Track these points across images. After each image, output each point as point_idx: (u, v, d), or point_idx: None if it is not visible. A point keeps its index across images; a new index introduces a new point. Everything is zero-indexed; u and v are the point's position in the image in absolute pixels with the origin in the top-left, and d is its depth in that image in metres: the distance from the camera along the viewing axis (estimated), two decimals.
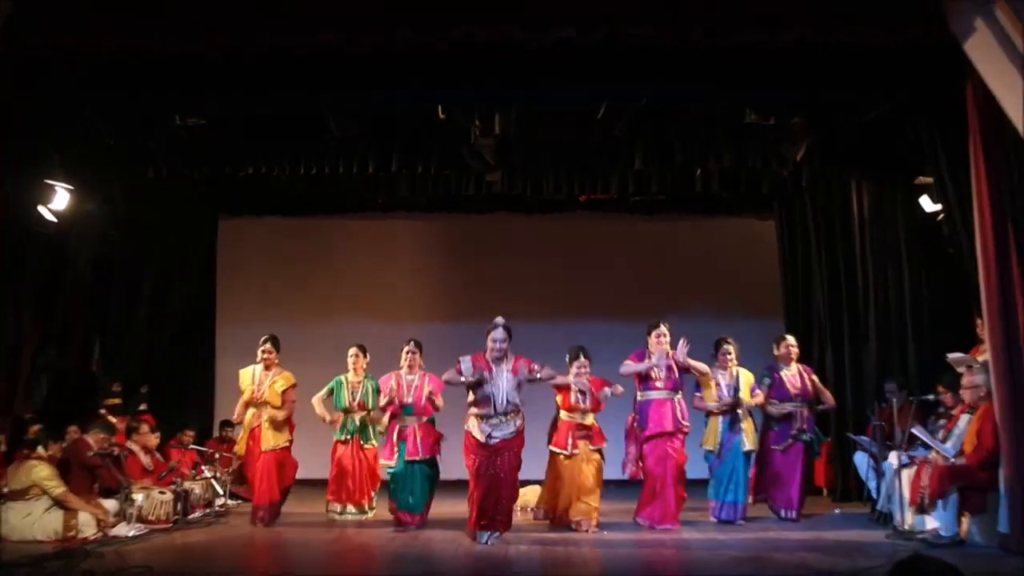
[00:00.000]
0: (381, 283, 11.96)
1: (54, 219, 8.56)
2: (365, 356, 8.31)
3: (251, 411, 7.95)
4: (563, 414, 7.69)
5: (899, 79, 7.13)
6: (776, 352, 8.25)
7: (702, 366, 7.76)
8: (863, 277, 9.43)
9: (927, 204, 8.90)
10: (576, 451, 7.49)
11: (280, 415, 7.88)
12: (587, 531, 7.34)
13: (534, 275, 11.82)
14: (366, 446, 8.20)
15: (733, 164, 9.13)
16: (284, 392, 7.92)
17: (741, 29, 6.28)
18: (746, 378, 7.91)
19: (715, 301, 11.46)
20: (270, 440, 7.83)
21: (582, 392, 7.56)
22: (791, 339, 8.30)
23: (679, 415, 7.60)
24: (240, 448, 8.10)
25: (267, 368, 7.96)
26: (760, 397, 8.00)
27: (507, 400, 6.75)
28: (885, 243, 9.27)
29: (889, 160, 8.95)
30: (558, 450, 7.58)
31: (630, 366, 7.66)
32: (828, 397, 8.33)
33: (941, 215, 8.35)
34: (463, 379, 6.80)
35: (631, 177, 9.69)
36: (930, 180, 8.37)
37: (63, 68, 6.88)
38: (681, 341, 7.61)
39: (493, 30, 6.33)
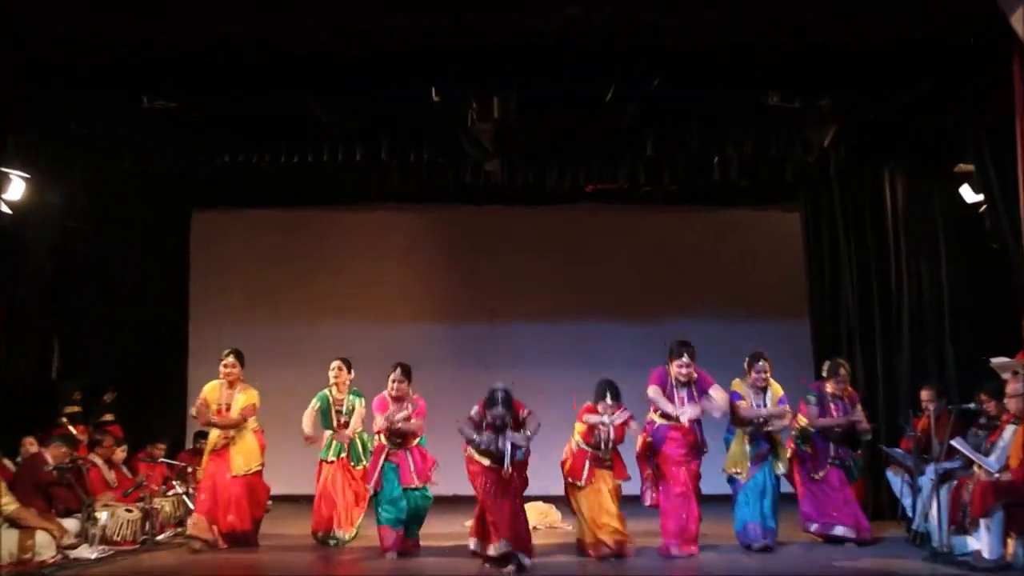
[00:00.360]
0: (371, 281, 11.92)
1: (8, 210, 8.47)
2: (349, 372, 8.14)
3: (216, 432, 7.77)
4: (581, 442, 7.49)
5: (940, 58, 7.03)
6: (825, 377, 7.94)
7: (720, 402, 7.40)
8: (896, 274, 9.38)
9: (968, 194, 8.83)
10: (592, 481, 7.37)
11: (231, 424, 7.65)
12: (625, 556, 7.23)
13: (536, 272, 11.79)
14: (356, 468, 8.04)
15: (754, 151, 9.09)
16: (243, 410, 7.74)
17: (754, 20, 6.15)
18: (775, 392, 7.69)
19: (733, 301, 11.44)
20: (241, 465, 7.66)
21: (604, 438, 7.33)
22: (844, 373, 7.94)
23: (699, 441, 7.45)
24: (200, 473, 7.88)
25: (231, 385, 7.78)
26: (801, 419, 7.83)
27: (513, 456, 6.72)
28: (921, 237, 9.23)
29: (926, 146, 8.89)
30: (573, 480, 7.45)
31: (657, 398, 7.41)
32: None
33: (983, 206, 8.27)
34: (476, 442, 6.76)
35: (642, 166, 9.67)
36: (971, 168, 8.32)
37: (15, 48, 6.78)
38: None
39: (492, 16, 6.25)
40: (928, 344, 9.06)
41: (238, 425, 7.71)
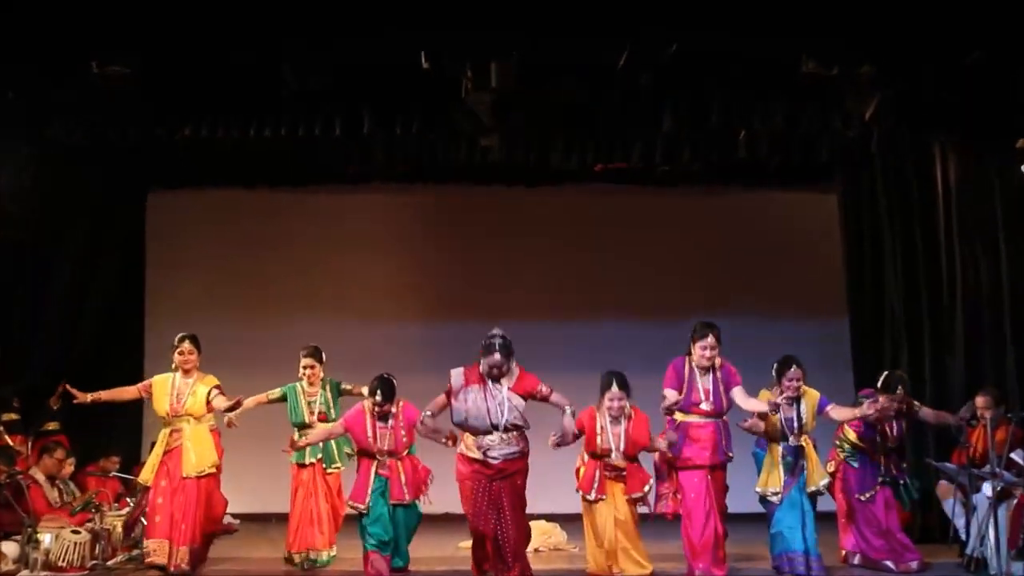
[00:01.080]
0: (351, 273, 11.91)
1: None
2: (321, 363, 8.18)
3: (166, 430, 7.70)
4: (587, 456, 7.56)
5: (1000, 15, 7.02)
6: (887, 395, 7.79)
7: (758, 405, 7.39)
8: (948, 263, 9.37)
9: None
10: (603, 496, 7.38)
11: (226, 402, 7.57)
12: None
13: (538, 263, 11.80)
14: (329, 471, 8.08)
15: (785, 125, 9.07)
16: (209, 391, 7.67)
17: None
18: (810, 400, 7.60)
19: (762, 296, 11.46)
20: (193, 463, 7.55)
21: (614, 433, 7.37)
22: (901, 393, 7.85)
23: (723, 443, 7.46)
24: (146, 476, 7.69)
25: (186, 374, 7.74)
26: (849, 433, 7.83)
27: (506, 419, 6.71)
28: (977, 221, 9.21)
29: (983, 118, 8.85)
30: (583, 494, 7.47)
31: (670, 397, 7.42)
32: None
33: None
34: (457, 412, 6.77)
35: (658, 142, 9.68)
36: None
37: None
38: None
39: None
40: (985, 344, 9.05)
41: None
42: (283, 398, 8.12)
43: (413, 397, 7.67)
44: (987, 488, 7.25)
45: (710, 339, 7.37)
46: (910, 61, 8.19)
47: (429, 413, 6.85)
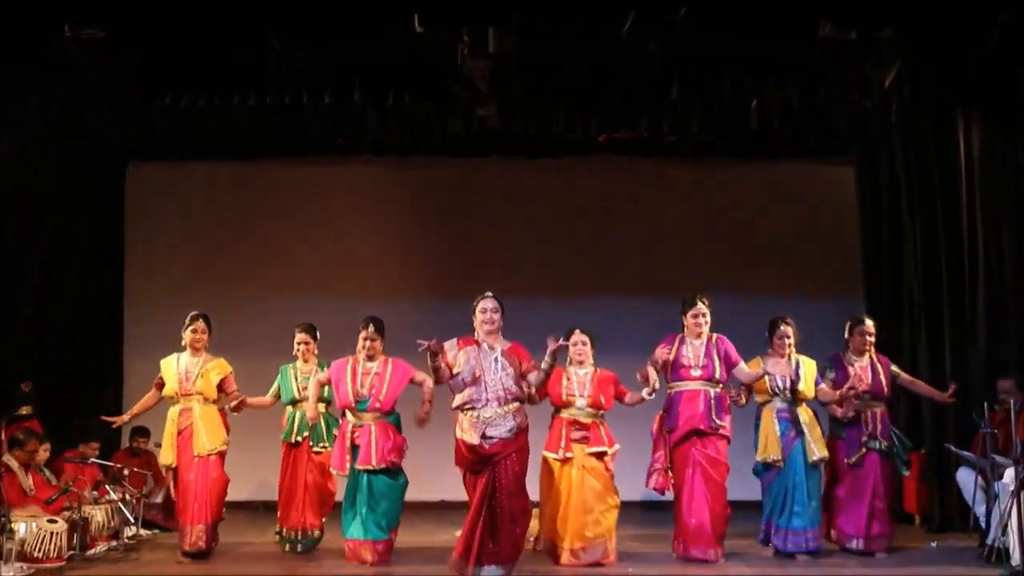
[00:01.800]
0: (342, 249, 11.91)
1: None
2: (316, 339, 8.44)
3: (175, 408, 7.91)
4: (558, 410, 7.78)
5: None
6: (848, 337, 8.22)
7: (750, 372, 7.68)
8: (971, 242, 9.36)
9: None
10: (570, 454, 7.55)
11: (220, 406, 7.93)
12: (593, 564, 7.41)
13: (538, 238, 11.79)
14: (316, 449, 8.23)
15: (799, 94, 9.08)
16: (222, 383, 7.97)
17: None
18: (808, 368, 7.93)
19: (773, 273, 11.46)
20: (205, 443, 7.82)
21: (579, 380, 7.65)
22: (869, 324, 8.21)
23: (714, 411, 7.57)
24: (168, 457, 7.94)
25: (195, 352, 7.98)
26: (826, 393, 8.00)
27: (502, 386, 6.81)
28: (1002, 198, 9.20)
29: (1012, 88, 8.83)
30: (549, 454, 7.64)
31: (657, 355, 7.71)
32: (925, 388, 8.37)
33: None
34: (454, 378, 6.88)
35: (666, 111, 9.67)
36: None
37: None
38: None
39: None
40: (1008, 326, 9.06)
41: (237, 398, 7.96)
42: (282, 380, 8.33)
43: None
44: (1009, 476, 7.26)
45: (700, 306, 7.69)
46: (933, 25, 8.15)
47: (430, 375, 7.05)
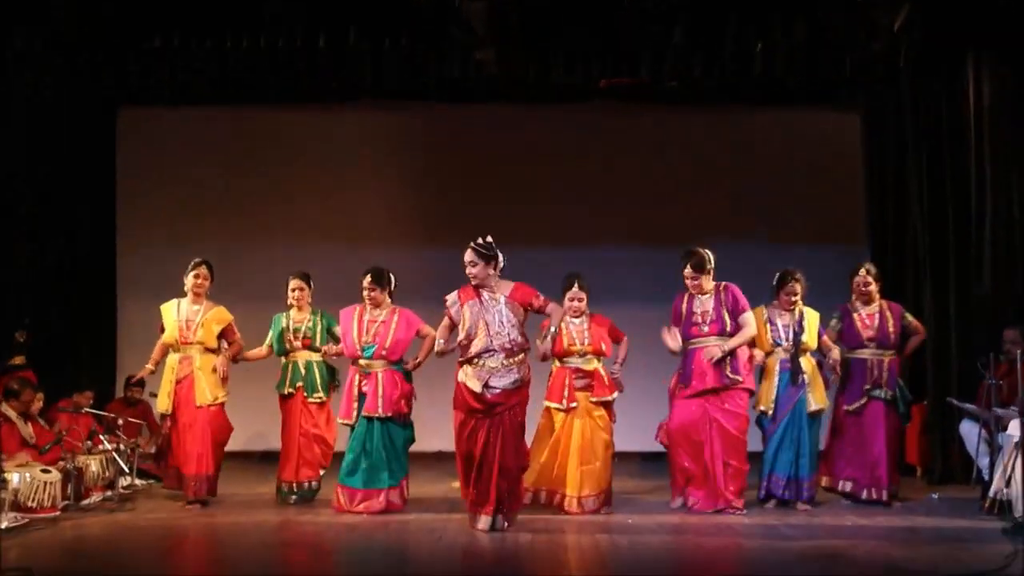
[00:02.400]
0: (337, 197, 11.86)
1: None
2: (310, 287, 8.44)
3: (175, 356, 8.02)
4: (557, 363, 7.85)
5: None
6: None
7: (747, 330, 7.71)
8: (978, 190, 9.32)
9: None
10: (574, 404, 7.64)
11: (233, 354, 8.11)
12: (595, 512, 7.55)
13: (537, 186, 11.74)
14: (311, 400, 8.28)
15: (805, 37, 9.05)
16: (224, 333, 8.12)
17: None
18: (812, 319, 8.00)
19: (777, 219, 11.44)
20: (207, 394, 8.00)
21: (577, 329, 7.73)
22: (862, 272, 8.26)
23: (727, 367, 7.64)
24: (164, 405, 8.09)
25: (196, 299, 8.09)
26: (833, 348, 8.05)
27: (508, 337, 6.86)
28: (1012, 146, 9.14)
29: None
30: (553, 404, 7.73)
31: (666, 339, 7.85)
32: (914, 343, 8.42)
33: None
34: (460, 333, 6.98)
35: (668, 56, 9.63)
36: None
37: None
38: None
39: None
40: (1016, 276, 9.08)
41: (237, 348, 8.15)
42: (275, 331, 8.37)
43: None
44: (1014, 428, 7.28)
45: (687, 269, 7.72)
46: None
47: (441, 341, 7.07)
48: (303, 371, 8.25)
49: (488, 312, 6.90)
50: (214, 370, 8.03)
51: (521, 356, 6.93)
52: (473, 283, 6.97)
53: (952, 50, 9.45)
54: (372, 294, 7.79)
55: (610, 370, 7.81)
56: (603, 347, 7.75)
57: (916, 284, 9.81)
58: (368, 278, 7.80)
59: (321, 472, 8.33)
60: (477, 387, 6.84)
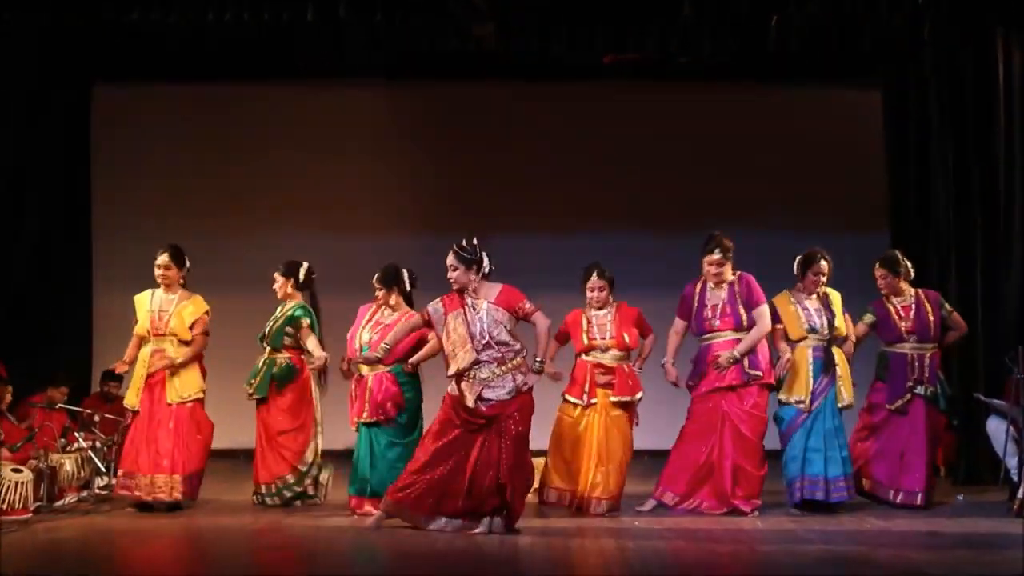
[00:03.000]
0: (325, 180, 11.86)
1: None
2: (290, 279, 8.23)
3: (147, 348, 7.91)
4: (581, 356, 7.80)
5: None
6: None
7: (761, 326, 7.64)
8: (1007, 174, 9.32)
9: None
10: (594, 400, 7.59)
11: (184, 354, 7.85)
12: (603, 514, 7.52)
13: (539, 166, 11.76)
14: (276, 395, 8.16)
15: (821, 10, 9.09)
16: (194, 322, 7.91)
17: None
18: (836, 301, 7.89)
19: (793, 204, 11.47)
20: (177, 389, 7.85)
21: (599, 321, 7.68)
22: (878, 266, 8.12)
23: (746, 362, 7.58)
24: (132, 401, 7.94)
25: (168, 290, 7.95)
26: (852, 336, 7.99)
27: (488, 330, 6.76)
28: None
29: None
30: (571, 398, 7.68)
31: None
32: (952, 337, 8.29)
33: None
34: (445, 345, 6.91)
35: (677, 30, 9.64)
36: None
37: None
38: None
39: None
40: None
41: (200, 350, 7.94)
42: None
43: None
44: None
45: (716, 255, 7.63)
46: None
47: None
48: (275, 369, 8.11)
49: (471, 316, 6.81)
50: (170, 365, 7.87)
51: (515, 361, 6.79)
52: (454, 288, 6.88)
53: (979, 22, 9.42)
54: (377, 294, 7.71)
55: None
56: (626, 340, 7.65)
57: (941, 273, 9.76)
58: (374, 278, 7.74)
59: (300, 468, 8.13)
60: (471, 401, 6.74)
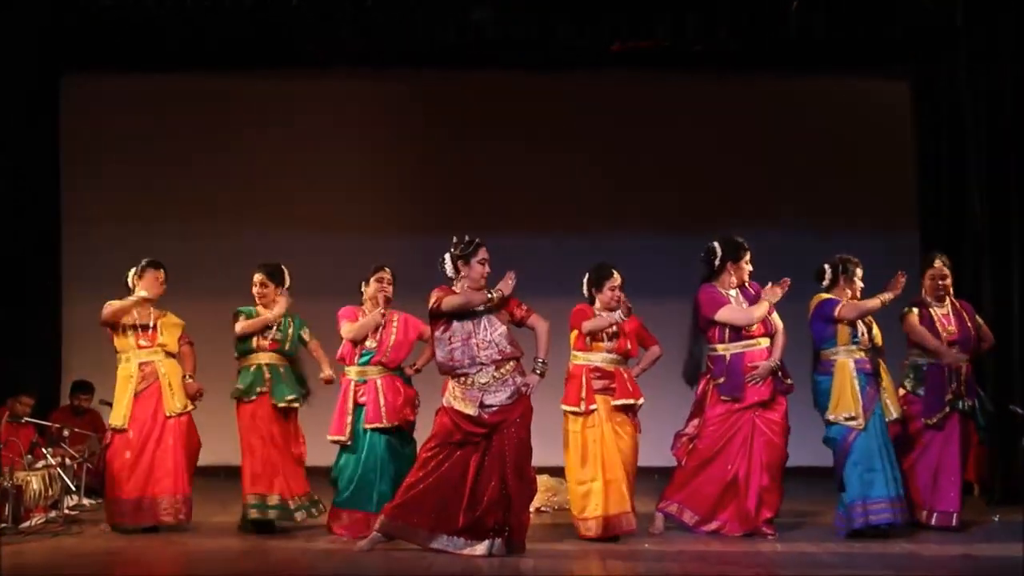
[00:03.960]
0: (312, 175, 11.86)
1: None
2: (277, 285, 8.17)
3: (131, 364, 7.96)
4: (577, 357, 7.76)
5: None
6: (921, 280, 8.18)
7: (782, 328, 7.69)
8: None
9: None
10: (594, 406, 7.54)
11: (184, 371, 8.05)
12: (623, 534, 7.49)
13: (542, 161, 11.75)
14: (279, 404, 8.04)
15: None
16: (180, 341, 8.09)
17: None
18: None
19: (814, 202, 11.49)
20: (176, 402, 7.99)
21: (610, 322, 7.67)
22: (944, 259, 8.17)
23: (778, 372, 7.64)
24: (118, 419, 7.92)
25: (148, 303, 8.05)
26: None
27: (496, 346, 6.87)
28: None
29: None
30: (569, 408, 7.64)
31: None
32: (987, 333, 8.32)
33: None
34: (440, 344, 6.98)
35: (690, 15, 9.70)
36: None
37: None
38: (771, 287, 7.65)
39: None
40: None
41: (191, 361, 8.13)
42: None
43: None
44: None
45: (748, 256, 7.74)
46: None
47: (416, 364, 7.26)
48: (267, 375, 8.01)
49: (471, 321, 6.91)
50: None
51: (512, 364, 6.92)
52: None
53: (1017, 7, 9.41)
54: (390, 290, 7.79)
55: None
56: (628, 347, 7.69)
57: (974, 276, 9.78)
58: (387, 272, 7.82)
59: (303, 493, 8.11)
60: (472, 409, 6.81)
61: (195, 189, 11.79)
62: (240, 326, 7.95)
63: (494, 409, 6.82)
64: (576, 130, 11.81)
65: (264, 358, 8.04)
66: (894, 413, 7.72)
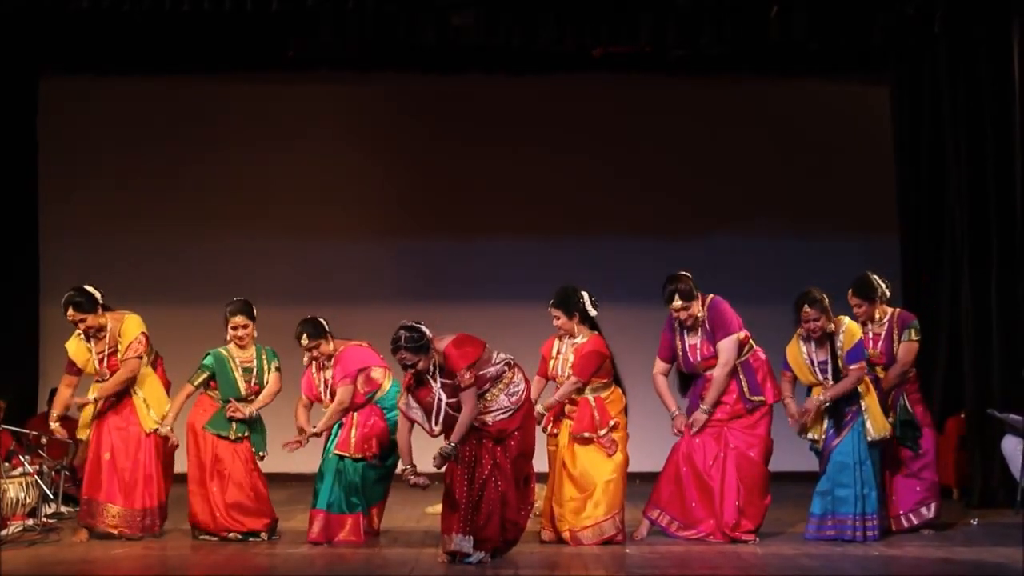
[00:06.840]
0: (293, 178, 11.87)
1: None
2: (254, 320, 7.98)
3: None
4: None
5: None
6: None
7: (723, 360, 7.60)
8: None
9: None
10: (557, 431, 7.63)
11: (117, 380, 7.80)
12: (611, 540, 7.49)
13: (523, 166, 11.78)
14: (260, 455, 8.04)
15: None
16: (130, 344, 7.84)
17: None
18: (849, 336, 7.59)
19: (795, 207, 11.53)
20: (153, 416, 7.92)
21: (563, 352, 7.67)
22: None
23: (746, 388, 7.63)
24: (86, 433, 8.01)
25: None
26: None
27: (442, 420, 6.74)
28: None
29: None
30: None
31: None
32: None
33: None
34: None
35: (672, 20, 9.65)
36: None
37: None
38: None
39: None
40: None
41: (130, 376, 7.82)
42: (211, 376, 7.96)
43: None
44: None
45: (675, 302, 7.56)
46: None
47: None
48: (247, 423, 7.93)
49: (427, 399, 6.79)
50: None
51: (500, 386, 6.84)
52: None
53: (995, 15, 9.46)
54: (312, 353, 7.74)
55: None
56: (581, 375, 7.56)
57: (953, 279, 9.84)
58: (305, 336, 7.69)
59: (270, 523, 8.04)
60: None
61: (174, 193, 11.74)
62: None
63: (489, 426, 6.80)
64: (557, 135, 11.82)
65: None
66: (872, 434, 7.54)
